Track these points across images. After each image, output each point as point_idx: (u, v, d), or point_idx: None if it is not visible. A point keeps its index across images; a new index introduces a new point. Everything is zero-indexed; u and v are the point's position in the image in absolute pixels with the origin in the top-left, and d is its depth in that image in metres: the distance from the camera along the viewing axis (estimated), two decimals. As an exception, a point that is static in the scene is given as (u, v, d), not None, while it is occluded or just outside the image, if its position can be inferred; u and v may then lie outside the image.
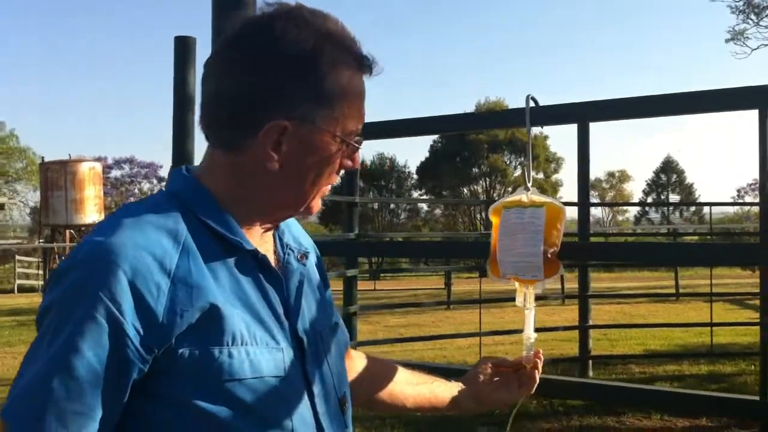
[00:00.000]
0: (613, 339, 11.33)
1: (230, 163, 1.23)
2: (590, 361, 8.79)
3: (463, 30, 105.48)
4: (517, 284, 1.80)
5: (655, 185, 61.45)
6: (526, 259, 1.75)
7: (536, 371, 1.69)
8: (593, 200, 70.26)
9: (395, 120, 2.01)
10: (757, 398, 1.55)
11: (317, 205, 1.27)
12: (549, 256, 1.74)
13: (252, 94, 1.18)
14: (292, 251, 1.33)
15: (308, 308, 1.29)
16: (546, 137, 53.73)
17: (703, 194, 63.62)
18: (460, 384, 1.69)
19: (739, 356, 9.41)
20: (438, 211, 53.22)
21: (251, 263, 1.21)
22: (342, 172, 1.27)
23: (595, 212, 66.07)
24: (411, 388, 1.64)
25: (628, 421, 6.61)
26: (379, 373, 1.63)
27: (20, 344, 12.25)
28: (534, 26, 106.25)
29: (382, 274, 30.75)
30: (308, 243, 1.45)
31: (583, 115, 1.75)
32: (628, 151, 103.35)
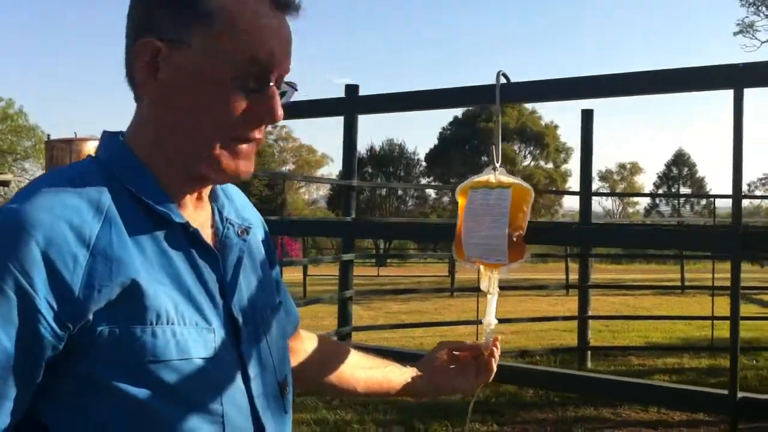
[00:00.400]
0: (615, 330, 11.25)
1: (141, 115, 1.16)
2: (589, 352, 8.73)
3: (472, 14, 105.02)
4: (481, 268, 1.73)
5: (666, 178, 61.14)
6: (491, 242, 1.68)
7: (493, 359, 1.61)
8: (603, 192, 70.07)
9: (361, 96, 1.93)
10: (725, 392, 1.48)
11: (233, 162, 1.13)
12: (514, 239, 1.66)
13: (132, 20, 1.12)
14: (232, 225, 1.24)
15: (247, 286, 1.22)
16: (556, 127, 53.62)
17: (714, 188, 63.32)
18: (415, 369, 1.62)
19: (740, 351, 9.31)
20: (446, 199, 53.12)
21: (182, 237, 1.13)
22: (268, 127, 1.15)
23: (606, 204, 65.80)
24: (363, 371, 1.58)
25: (624, 413, 6.54)
26: (330, 355, 1.57)
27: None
28: (542, 15, 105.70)
29: (388, 261, 30.77)
30: (254, 218, 1.37)
31: (560, 92, 1.67)
32: (641, 145, 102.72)
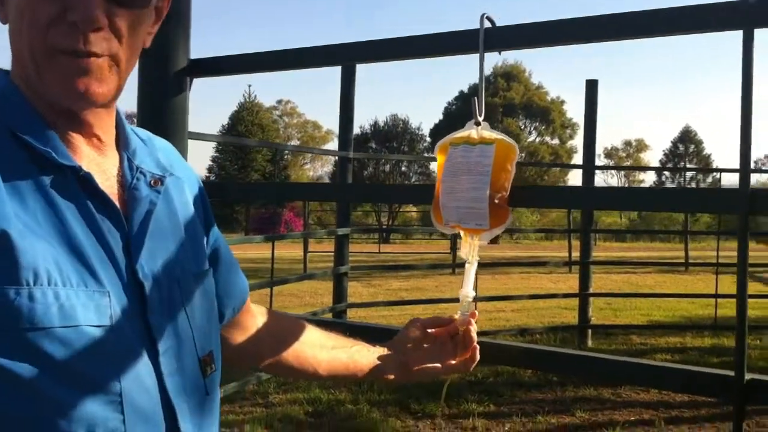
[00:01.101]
0: (617, 309, 11.08)
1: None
2: (589, 330, 8.57)
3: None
4: (461, 233, 1.55)
5: (673, 155, 60.68)
6: (471, 205, 1.49)
7: (471, 336, 1.44)
8: (607, 166, 69.62)
9: (320, 46, 1.74)
10: (731, 373, 1.30)
11: (71, 79, 0.95)
12: (496, 201, 1.47)
13: None
14: (143, 175, 1.06)
15: (162, 247, 1.04)
16: (562, 102, 53.20)
17: (721, 165, 62.86)
18: (385, 349, 1.44)
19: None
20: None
21: (75, 186, 0.96)
22: (86, 28, 0.95)
23: (612, 181, 65.46)
24: (325, 351, 1.40)
25: (624, 394, 6.39)
26: (285, 332, 1.38)
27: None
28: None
29: (392, 237, 30.63)
30: (183, 171, 1.19)
31: (551, 35, 1.48)
32: (647, 122, 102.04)
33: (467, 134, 1.56)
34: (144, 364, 0.96)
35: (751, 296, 11.58)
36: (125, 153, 1.07)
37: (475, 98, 1.56)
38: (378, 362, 1.42)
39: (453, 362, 1.45)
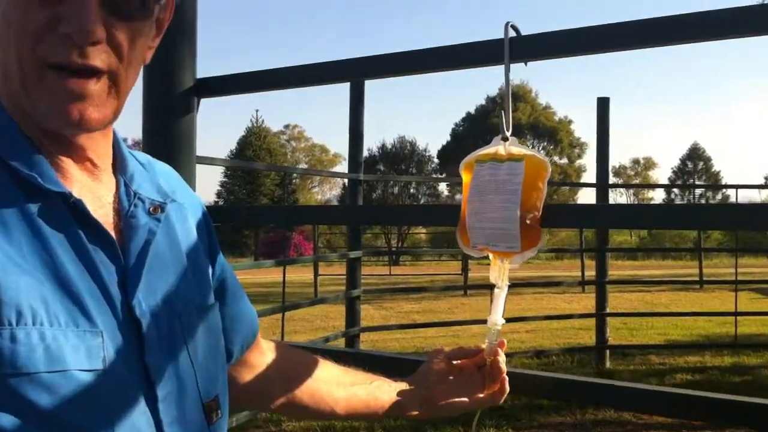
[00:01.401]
0: (633, 328, 10.90)
1: None
2: (607, 351, 8.41)
3: None
4: (490, 257, 1.44)
5: (681, 172, 60.44)
6: (500, 226, 1.38)
7: (500, 367, 1.32)
8: (619, 184, 69.42)
9: (332, 62, 1.64)
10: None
11: (60, 100, 0.85)
12: (528, 222, 1.37)
13: None
14: (142, 201, 0.96)
15: (161, 279, 0.93)
16: (570, 122, 53.21)
17: (730, 182, 62.46)
18: (407, 384, 1.33)
19: (765, 347, 8.97)
20: (459, 196, 52.67)
21: (65, 214, 0.86)
22: (83, 43, 0.85)
23: (621, 200, 65.18)
24: (342, 389, 1.28)
25: (645, 416, 6.22)
26: (298, 369, 1.27)
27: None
28: None
29: (402, 259, 30.48)
30: (186, 198, 1.08)
31: (580, 43, 1.38)
32: (655, 140, 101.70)
33: (494, 150, 1.46)
34: (141, 413, 0.85)
35: (765, 313, 11.42)
36: (122, 178, 0.97)
37: (503, 112, 1.46)
38: (400, 398, 1.31)
39: (481, 395, 1.34)
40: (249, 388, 1.21)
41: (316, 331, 10.96)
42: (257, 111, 67.27)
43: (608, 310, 8.66)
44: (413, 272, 24.42)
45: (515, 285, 12.71)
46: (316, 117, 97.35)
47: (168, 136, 1.81)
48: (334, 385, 1.28)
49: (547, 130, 51.65)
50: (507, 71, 1.47)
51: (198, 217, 1.09)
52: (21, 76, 0.85)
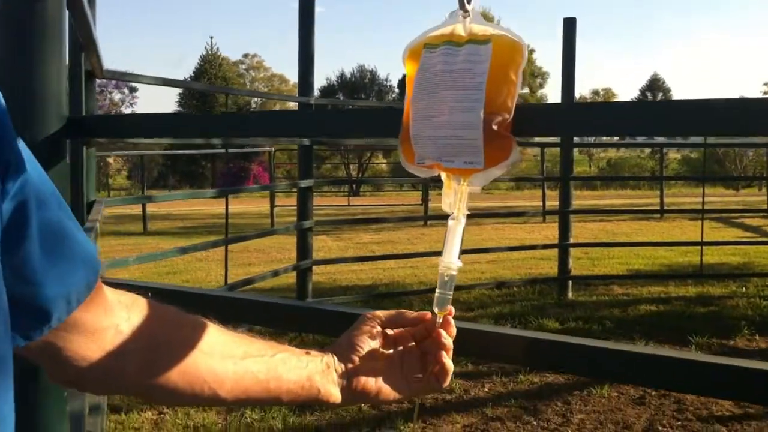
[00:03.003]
0: (594, 258, 10.71)
1: None
2: (570, 282, 8.20)
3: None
4: (443, 176, 1.06)
5: (642, 103, 60.40)
6: (457, 134, 1.00)
7: (441, 342, 0.97)
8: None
9: None
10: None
11: None
12: (495, 128, 0.99)
13: None
14: None
15: None
16: (532, 50, 52.63)
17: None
18: (326, 358, 0.97)
19: (729, 277, 8.83)
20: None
21: None
22: None
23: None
24: (231, 363, 0.90)
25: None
26: (167, 336, 0.87)
27: None
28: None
29: (362, 190, 30.07)
30: None
31: None
32: (615, 71, 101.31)
33: (450, 30, 1.06)
34: None
35: (730, 243, 11.35)
36: None
37: (461, -21, 1.06)
38: (313, 379, 0.94)
39: (419, 376, 0.99)
40: (85, 364, 0.80)
41: (271, 263, 10.60)
42: (212, 38, 65.33)
43: (571, 241, 8.43)
44: (373, 203, 24.05)
45: (474, 216, 12.50)
46: (276, 46, 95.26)
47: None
48: (218, 358, 0.88)
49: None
50: None
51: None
52: None
